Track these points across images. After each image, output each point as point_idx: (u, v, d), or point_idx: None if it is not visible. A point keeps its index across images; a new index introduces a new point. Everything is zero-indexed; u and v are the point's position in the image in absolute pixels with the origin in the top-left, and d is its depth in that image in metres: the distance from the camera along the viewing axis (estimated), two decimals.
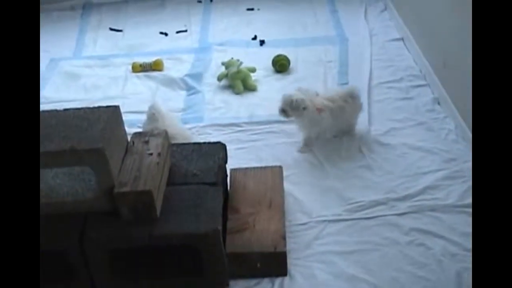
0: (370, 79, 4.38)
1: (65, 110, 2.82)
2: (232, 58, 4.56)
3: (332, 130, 3.76)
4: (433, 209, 3.18)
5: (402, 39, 4.90)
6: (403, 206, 3.22)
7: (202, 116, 4.16)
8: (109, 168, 2.57)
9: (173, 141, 3.15)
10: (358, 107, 3.77)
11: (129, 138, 2.94)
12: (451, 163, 3.48)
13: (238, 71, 4.38)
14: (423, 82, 4.27)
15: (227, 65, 4.53)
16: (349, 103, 3.70)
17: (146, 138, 2.91)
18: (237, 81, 4.39)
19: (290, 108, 3.58)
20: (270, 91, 4.34)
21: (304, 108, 3.57)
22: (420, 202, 3.23)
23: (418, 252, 2.94)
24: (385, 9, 5.43)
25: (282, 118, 3.73)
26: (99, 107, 2.83)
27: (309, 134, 3.74)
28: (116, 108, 2.82)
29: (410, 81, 4.33)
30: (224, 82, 4.48)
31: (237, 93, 4.36)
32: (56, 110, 2.83)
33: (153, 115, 3.59)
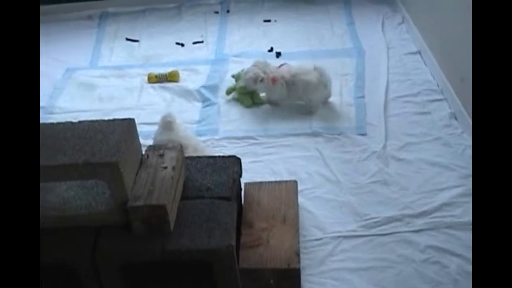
0: (386, 93, 4.35)
1: (80, 122, 2.81)
2: (242, 70, 4.50)
3: (287, 99, 4.26)
4: (449, 226, 3.15)
5: (419, 52, 4.87)
6: (419, 223, 3.19)
7: (217, 128, 4.15)
8: (123, 182, 2.56)
9: (185, 152, 3.15)
10: (319, 85, 4.15)
11: (143, 149, 2.93)
12: (468, 179, 3.44)
13: (245, 85, 4.35)
14: (440, 97, 4.24)
15: (236, 77, 4.52)
16: (310, 79, 4.14)
17: (161, 152, 2.89)
18: (244, 95, 4.37)
19: (252, 82, 4.22)
20: (285, 104, 4.32)
21: (261, 81, 4.19)
22: (436, 219, 3.20)
23: (434, 271, 2.91)
24: (403, 22, 5.40)
25: (296, 131, 3.97)
26: (114, 119, 2.81)
27: (269, 98, 4.35)
28: (132, 121, 2.81)
29: (427, 96, 4.29)
30: (233, 95, 4.47)
31: (247, 107, 4.35)
32: (71, 122, 2.82)
33: (169, 124, 3.58)
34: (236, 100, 4.43)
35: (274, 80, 4.18)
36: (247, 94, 4.35)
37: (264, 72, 4.21)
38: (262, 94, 4.34)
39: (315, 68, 4.18)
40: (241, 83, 4.37)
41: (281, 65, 4.31)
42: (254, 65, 4.26)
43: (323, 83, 4.16)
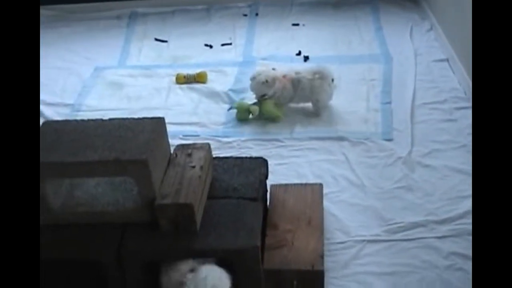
0: (413, 99, 4.34)
1: (110, 119, 2.85)
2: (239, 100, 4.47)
3: (294, 100, 4.29)
4: None
5: (447, 60, 4.85)
6: (443, 229, 3.19)
7: (243, 130, 4.17)
8: (151, 180, 2.58)
9: None
10: (324, 86, 4.19)
11: (171, 149, 2.96)
12: None
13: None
14: (467, 104, 4.23)
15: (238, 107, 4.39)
16: (314, 80, 4.17)
17: (189, 151, 2.92)
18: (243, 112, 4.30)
19: (263, 86, 4.19)
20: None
21: (267, 81, 4.17)
22: (460, 226, 3.20)
23: (457, 277, 2.91)
24: (431, 29, 5.39)
25: (322, 135, 4.01)
26: (144, 118, 2.85)
27: (278, 100, 4.27)
28: (161, 119, 2.84)
29: (454, 103, 4.29)
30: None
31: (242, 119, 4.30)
32: (102, 119, 2.85)
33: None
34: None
35: (285, 76, 4.21)
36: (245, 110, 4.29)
37: (265, 81, 4.19)
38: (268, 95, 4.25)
39: (315, 72, 4.22)
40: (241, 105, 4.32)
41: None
42: (258, 73, 4.26)
43: (327, 82, 4.20)
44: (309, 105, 4.28)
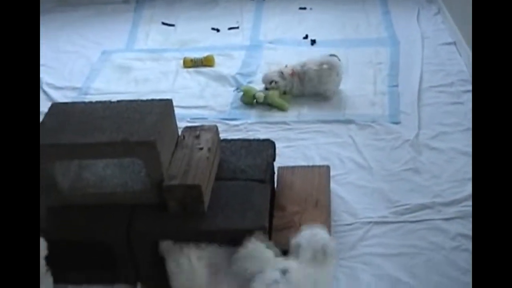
0: (420, 82, 4.34)
1: (118, 101, 2.86)
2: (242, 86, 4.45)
3: (304, 91, 4.27)
4: None
5: (454, 43, 4.84)
6: (449, 211, 3.19)
7: (250, 113, 4.17)
8: (159, 161, 2.60)
9: None
10: (333, 75, 4.20)
11: (178, 131, 2.97)
12: None
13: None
14: None
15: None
16: (322, 70, 4.18)
17: (197, 133, 2.93)
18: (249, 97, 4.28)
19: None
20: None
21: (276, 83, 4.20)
22: (467, 208, 3.19)
23: (463, 258, 2.91)
24: (438, 12, 5.38)
25: (329, 118, 4.05)
26: (152, 100, 2.86)
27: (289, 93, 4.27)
28: (169, 101, 2.85)
29: (461, 86, 4.28)
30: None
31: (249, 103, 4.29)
32: (110, 101, 2.86)
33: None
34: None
35: (293, 74, 4.21)
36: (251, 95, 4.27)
37: (280, 72, 4.23)
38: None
39: (323, 62, 4.23)
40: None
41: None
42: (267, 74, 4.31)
43: (335, 71, 4.21)
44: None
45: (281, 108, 4.17)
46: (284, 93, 4.24)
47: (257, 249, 2.55)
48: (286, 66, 4.28)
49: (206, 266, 2.61)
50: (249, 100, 4.23)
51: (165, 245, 2.64)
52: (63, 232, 2.69)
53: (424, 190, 3.35)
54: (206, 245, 2.63)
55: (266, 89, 4.23)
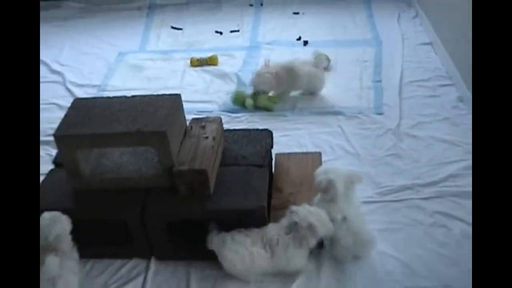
0: (401, 78, 4.34)
1: (133, 97, 2.86)
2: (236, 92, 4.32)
3: (292, 89, 4.20)
4: (454, 195, 3.15)
5: (431, 43, 4.84)
6: (428, 191, 3.19)
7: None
8: (170, 149, 2.60)
9: None
10: (319, 75, 4.16)
11: (186, 122, 2.97)
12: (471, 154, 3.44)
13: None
14: (448, 82, 4.22)
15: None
16: (310, 70, 4.12)
17: (203, 124, 2.93)
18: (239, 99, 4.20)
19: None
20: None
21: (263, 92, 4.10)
22: (443, 188, 3.20)
23: (440, 233, 2.92)
24: (417, 15, 5.38)
25: (321, 110, 4.04)
26: (163, 95, 2.86)
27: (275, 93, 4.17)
28: (178, 96, 2.85)
29: (437, 81, 4.28)
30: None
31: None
32: (125, 96, 2.87)
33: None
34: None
35: (277, 74, 4.06)
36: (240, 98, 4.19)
37: (263, 73, 4.09)
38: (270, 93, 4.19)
39: (309, 62, 4.20)
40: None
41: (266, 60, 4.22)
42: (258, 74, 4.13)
43: (321, 70, 4.21)
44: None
45: (268, 110, 4.11)
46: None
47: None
48: (267, 65, 4.15)
49: (261, 247, 2.62)
50: (238, 104, 4.16)
51: (216, 239, 2.64)
52: (86, 213, 2.70)
53: (405, 173, 3.35)
54: (247, 229, 2.65)
55: (254, 93, 4.13)
